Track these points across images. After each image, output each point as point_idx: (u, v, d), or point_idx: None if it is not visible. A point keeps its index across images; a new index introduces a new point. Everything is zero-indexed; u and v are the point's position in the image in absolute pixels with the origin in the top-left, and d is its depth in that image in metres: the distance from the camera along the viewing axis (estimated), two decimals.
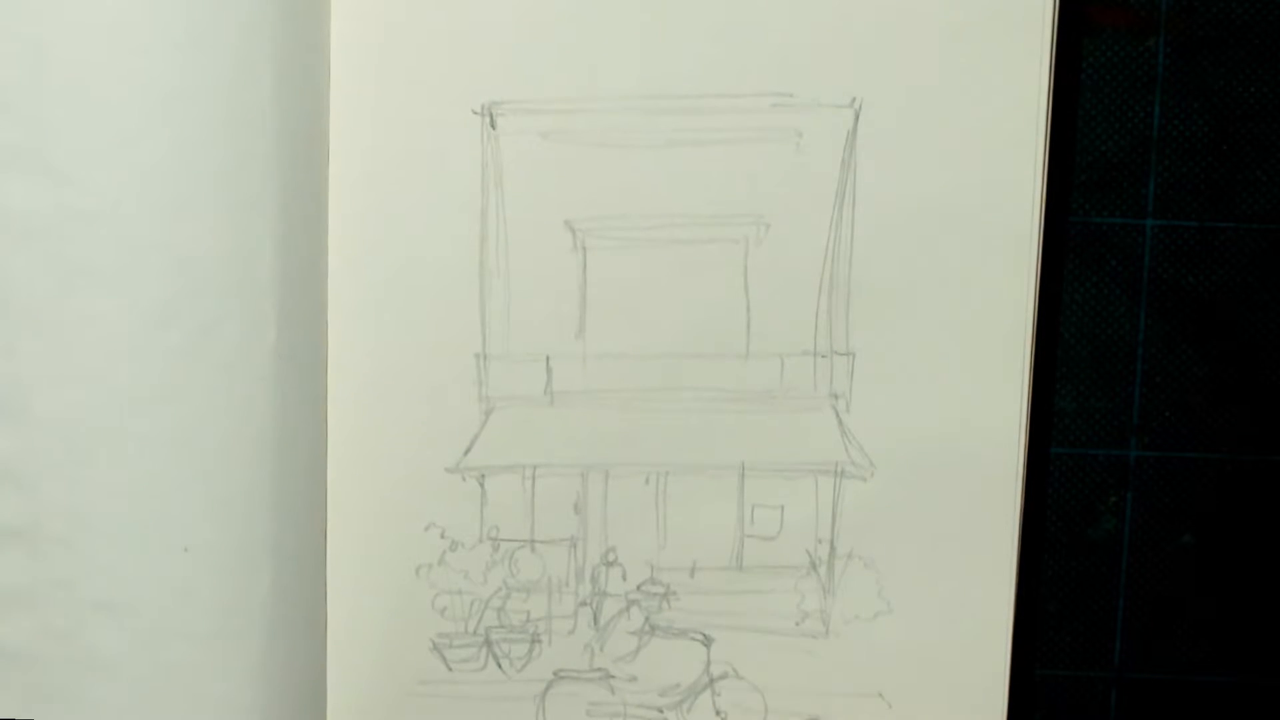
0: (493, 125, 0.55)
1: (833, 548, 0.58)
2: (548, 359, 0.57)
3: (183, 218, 0.52)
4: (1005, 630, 0.58)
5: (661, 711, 0.59)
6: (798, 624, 0.58)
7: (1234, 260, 0.60)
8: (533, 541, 0.58)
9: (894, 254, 0.56)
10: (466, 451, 0.57)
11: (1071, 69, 0.59)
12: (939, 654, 0.58)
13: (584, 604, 0.58)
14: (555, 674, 0.59)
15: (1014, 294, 0.56)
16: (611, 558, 0.58)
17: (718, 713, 0.59)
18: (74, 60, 0.51)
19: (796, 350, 0.57)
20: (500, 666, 0.59)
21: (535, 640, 0.59)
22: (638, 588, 0.58)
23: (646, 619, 0.58)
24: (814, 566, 0.58)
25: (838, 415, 0.57)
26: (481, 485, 0.57)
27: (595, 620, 0.58)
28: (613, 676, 0.59)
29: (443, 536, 0.58)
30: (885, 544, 0.58)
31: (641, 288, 0.56)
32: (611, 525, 0.58)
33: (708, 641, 0.59)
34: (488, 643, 0.58)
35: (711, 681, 0.59)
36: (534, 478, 0.57)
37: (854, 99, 0.55)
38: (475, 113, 0.55)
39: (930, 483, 0.57)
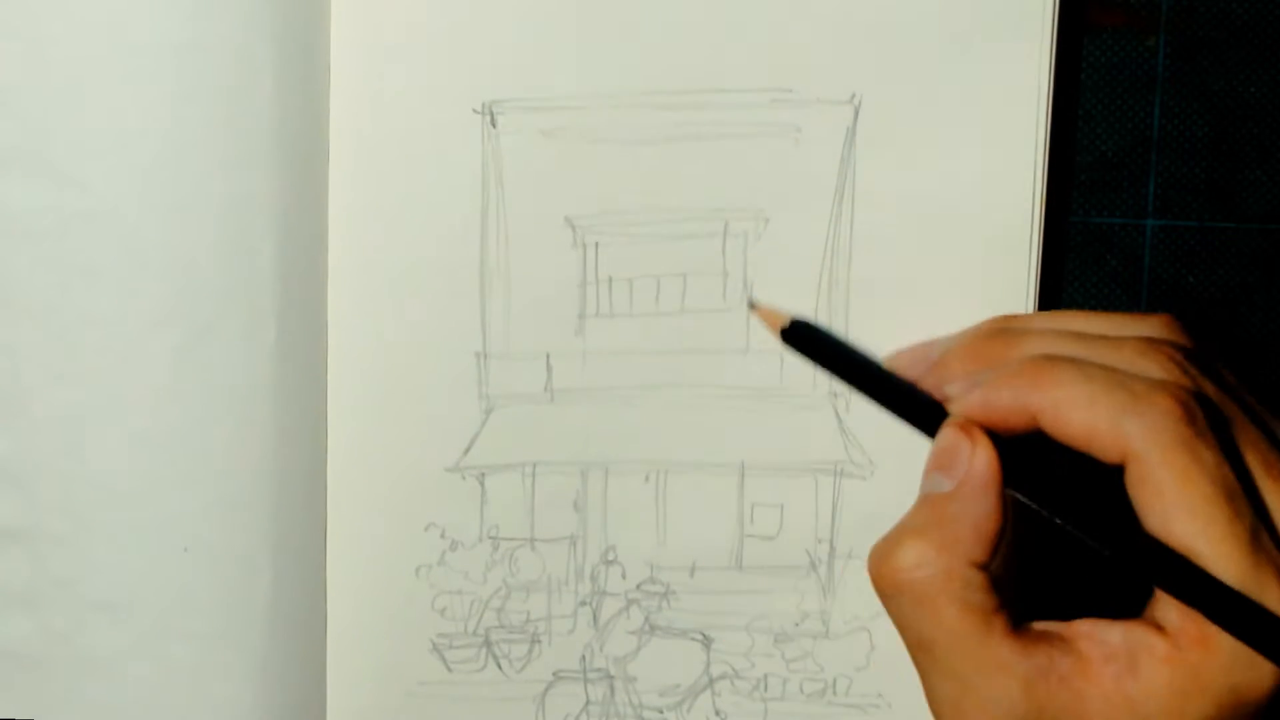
0: (493, 123, 0.55)
1: (832, 547, 0.58)
2: (548, 357, 0.57)
3: (183, 218, 0.52)
4: None
5: (661, 712, 0.59)
6: (797, 624, 0.58)
7: (1234, 260, 0.60)
8: (533, 540, 0.58)
9: (893, 251, 0.56)
10: (466, 451, 0.57)
11: (1071, 69, 0.59)
12: None
13: (584, 603, 0.58)
14: (555, 674, 0.59)
15: (1014, 294, 0.56)
16: (611, 556, 0.58)
17: (717, 713, 0.59)
18: (74, 60, 0.51)
19: None
20: (500, 667, 0.59)
21: (535, 640, 0.59)
22: (637, 587, 0.58)
23: (646, 619, 0.58)
24: (814, 566, 0.58)
25: (837, 414, 0.57)
26: (481, 484, 0.57)
27: (595, 620, 0.58)
28: (612, 677, 0.59)
29: (443, 536, 0.57)
30: None
31: (641, 284, 0.56)
32: (611, 524, 0.58)
33: (707, 641, 0.59)
34: (487, 643, 0.58)
35: (711, 682, 0.59)
36: (534, 476, 0.57)
37: (853, 95, 0.55)
38: (475, 111, 0.55)
39: None
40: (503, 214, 0.56)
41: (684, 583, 0.58)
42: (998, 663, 0.45)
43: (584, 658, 0.59)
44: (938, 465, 0.47)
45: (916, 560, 0.46)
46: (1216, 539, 0.43)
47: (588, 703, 0.59)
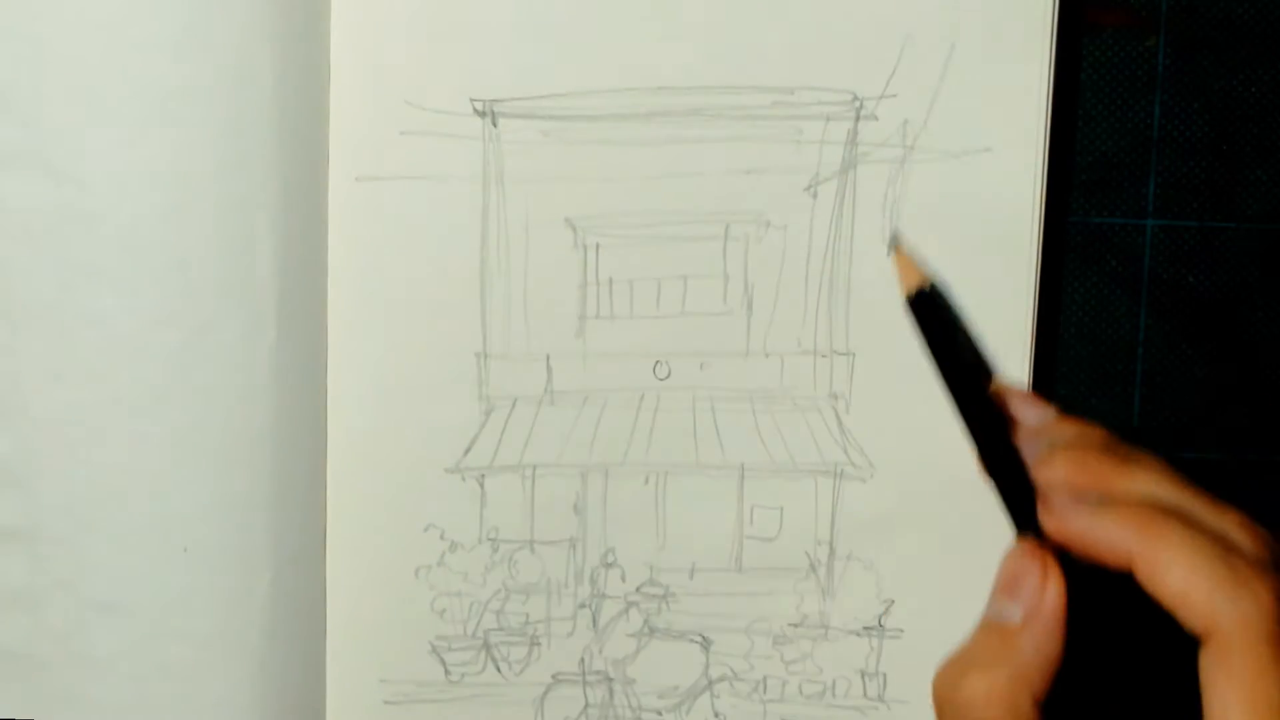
0: (494, 124, 0.55)
1: (832, 549, 0.58)
2: (548, 358, 0.57)
3: (183, 218, 0.52)
4: None
5: (660, 714, 0.59)
6: (797, 626, 0.58)
7: (1234, 260, 0.60)
8: (532, 542, 0.58)
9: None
10: (466, 451, 0.57)
11: (1071, 69, 0.59)
12: (939, 655, 0.58)
13: (583, 606, 0.58)
14: (554, 677, 0.59)
15: (1014, 294, 0.56)
16: (611, 559, 0.58)
17: (716, 715, 0.59)
18: (74, 60, 0.51)
19: (796, 350, 0.57)
20: (499, 669, 0.59)
21: (534, 643, 0.58)
22: (637, 589, 0.58)
23: (645, 621, 0.58)
24: (813, 568, 0.58)
25: (837, 416, 0.57)
26: (481, 485, 0.57)
27: (594, 623, 0.58)
28: (611, 679, 0.59)
29: (442, 537, 0.57)
30: (885, 545, 0.58)
31: (642, 286, 0.56)
32: (611, 526, 0.58)
33: (706, 644, 0.59)
34: (486, 645, 0.58)
35: (710, 684, 0.59)
36: (534, 478, 0.57)
37: (854, 97, 0.55)
38: (477, 111, 0.55)
39: (930, 483, 0.57)
40: (503, 215, 0.56)
41: (683, 585, 0.58)
42: None
43: (583, 660, 0.58)
44: (1006, 590, 0.47)
45: (985, 698, 0.45)
46: None
47: (587, 705, 0.59)
